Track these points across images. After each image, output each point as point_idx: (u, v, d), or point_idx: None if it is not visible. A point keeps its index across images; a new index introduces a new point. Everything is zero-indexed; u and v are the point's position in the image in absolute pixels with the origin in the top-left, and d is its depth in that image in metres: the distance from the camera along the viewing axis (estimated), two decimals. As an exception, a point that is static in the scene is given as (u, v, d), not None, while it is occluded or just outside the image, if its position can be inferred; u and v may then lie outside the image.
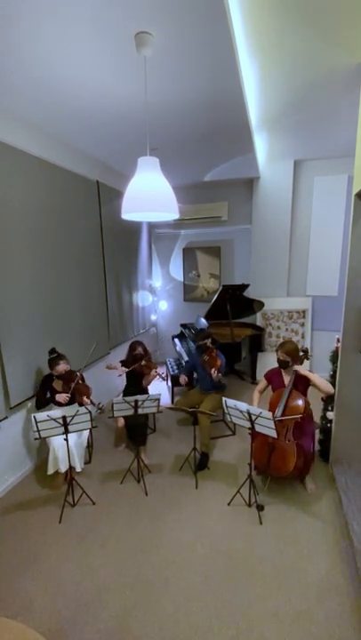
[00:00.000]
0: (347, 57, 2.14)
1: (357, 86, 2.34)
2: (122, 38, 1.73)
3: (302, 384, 2.67)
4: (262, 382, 2.92)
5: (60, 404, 2.82)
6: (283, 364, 2.73)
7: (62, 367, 2.79)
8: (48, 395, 2.84)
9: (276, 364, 2.83)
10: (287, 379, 2.73)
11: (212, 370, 3.06)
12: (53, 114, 2.59)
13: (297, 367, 2.66)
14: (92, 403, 2.79)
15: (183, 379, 3.43)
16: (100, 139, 3.12)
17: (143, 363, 3.28)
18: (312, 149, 4.05)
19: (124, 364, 3.39)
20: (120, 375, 3.35)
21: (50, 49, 1.81)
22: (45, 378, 2.87)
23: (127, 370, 3.32)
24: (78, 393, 2.83)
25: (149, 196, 1.81)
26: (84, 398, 2.80)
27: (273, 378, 2.84)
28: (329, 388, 2.60)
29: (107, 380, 3.39)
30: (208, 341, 3.27)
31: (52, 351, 2.89)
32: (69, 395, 2.78)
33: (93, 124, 2.79)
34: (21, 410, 2.85)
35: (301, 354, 2.77)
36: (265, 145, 3.80)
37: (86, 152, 3.51)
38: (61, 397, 2.77)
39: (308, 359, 2.77)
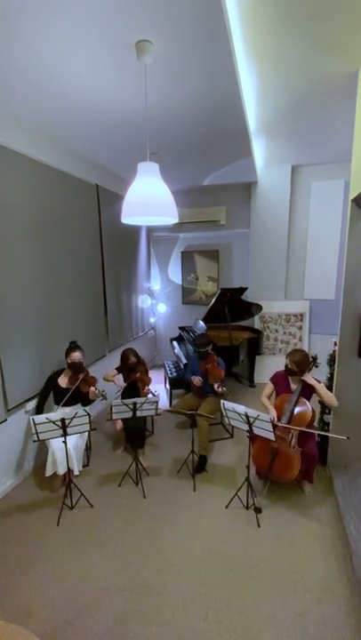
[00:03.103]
0: (343, 65, 2.18)
1: (354, 93, 2.38)
2: (123, 46, 1.76)
3: (308, 390, 2.65)
4: (268, 387, 2.88)
5: (59, 400, 2.86)
6: (290, 372, 2.71)
7: (78, 355, 2.92)
8: (54, 396, 2.92)
9: (276, 367, 2.83)
10: (294, 384, 2.72)
11: (216, 384, 3.06)
12: (54, 118, 2.61)
13: (305, 376, 2.63)
14: (96, 389, 2.91)
15: (198, 380, 3.22)
16: (100, 143, 3.15)
17: (138, 375, 3.28)
18: (309, 155, 4.10)
19: (119, 371, 3.40)
20: (119, 391, 3.36)
21: (51, 55, 1.84)
22: (51, 376, 2.95)
23: (124, 385, 3.34)
24: (85, 383, 2.91)
25: (149, 200, 1.83)
26: (91, 388, 2.90)
27: (279, 382, 2.82)
28: (333, 401, 2.57)
29: (105, 383, 3.38)
30: (209, 348, 3.27)
31: (73, 342, 3.09)
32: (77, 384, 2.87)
33: (94, 129, 2.82)
34: (19, 412, 2.85)
35: (310, 361, 2.74)
36: (263, 150, 3.84)
37: (86, 156, 3.53)
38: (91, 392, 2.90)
39: (316, 367, 2.75)
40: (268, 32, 1.89)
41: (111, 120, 2.63)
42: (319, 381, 2.65)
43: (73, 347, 2.99)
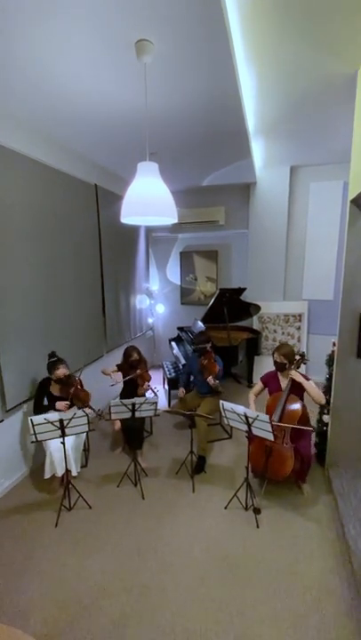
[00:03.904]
0: (343, 65, 2.19)
1: (353, 94, 2.38)
2: (122, 45, 1.76)
3: (299, 388, 2.67)
4: (258, 385, 2.92)
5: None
6: (280, 367, 2.74)
7: (61, 371, 2.76)
8: (46, 402, 2.82)
9: (273, 367, 2.84)
10: (284, 382, 2.74)
11: (210, 378, 3.07)
12: (52, 117, 2.60)
13: (293, 373, 2.66)
14: (91, 409, 2.78)
15: (182, 391, 3.42)
16: (100, 143, 3.15)
17: (138, 372, 3.25)
18: (308, 156, 4.10)
19: (119, 368, 3.38)
20: (113, 385, 3.29)
21: (51, 55, 1.83)
22: (42, 382, 2.85)
23: (122, 380, 3.29)
24: (77, 399, 2.80)
25: (149, 200, 1.83)
26: (86, 410, 2.74)
27: (269, 381, 2.85)
28: (321, 398, 2.62)
29: (102, 383, 3.38)
30: (208, 345, 3.27)
31: (52, 355, 2.86)
32: (68, 402, 2.75)
33: (93, 129, 2.82)
34: (17, 413, 2.84)
35: (298, 357, 2.78)
36: (262, 151, 3.84)
37: (85, 156, 3.52)
38: (61, 405, 2.73)
39: (305, 363, 2.78)
40: (267, 32, 1.89)
41: (111, 120, 2.63)
42: (308, 378, 2.66)
43: (54, 362, 2.78)
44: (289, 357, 2.70)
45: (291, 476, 2.55)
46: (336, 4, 1.69)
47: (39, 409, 2.76)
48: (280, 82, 2.36)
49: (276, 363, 2.75)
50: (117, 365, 3.39)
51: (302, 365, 2.80)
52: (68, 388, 2.78)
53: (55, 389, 2.83)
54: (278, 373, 2.80)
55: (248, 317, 4.79)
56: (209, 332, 3.75)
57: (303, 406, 2.63)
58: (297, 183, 4.65)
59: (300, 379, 2.63)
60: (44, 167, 2.96)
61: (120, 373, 3.37)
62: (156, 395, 2.96)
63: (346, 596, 1.87)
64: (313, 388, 2.61)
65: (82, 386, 2.90)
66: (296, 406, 2.60)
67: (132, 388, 3.30)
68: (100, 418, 2.65)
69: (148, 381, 3.30)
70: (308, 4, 1.68)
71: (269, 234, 4.81)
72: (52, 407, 2.79)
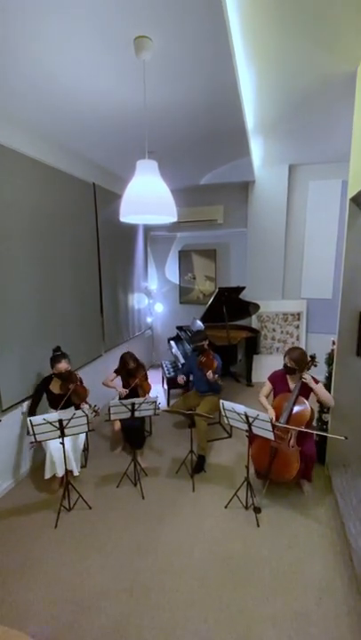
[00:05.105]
0: (342, 64, 2.18)
1: (352, 92, 2.38)
2: (121, 42, 1.74)
3: (306, 389, 2.65)
4: (267, 386, 2.86)
5: (55, 405, 2.82)
6: (290, 371, 2.69)
7: (63, 365, 2.77)
8: (45, 395, 2.85)
9: (273, 366, 2.83)
10: (292, 384, 2.71)
11: (209, 372, 3.06)
12: (51, 116, 2.58)
13: (305, 376, 2.62)
14: (88, 404, 2.79)
15: (181, 378, 3.40)
16: (98, 141, 3.13)
17: (138, 381, 3.25)
18: (307, 154, 4.10)
19: (117, 373, 3.38)
20: (121, 398, 3.30)
21: (49, 52, 1.82)
22: (44, 379, 2.87)
23: (126, 392, 3.25)
24: (76, 395, 2.81)
25: (148, 199, 1.82)
26: (84, 405, 2.80)
27: (277, 381, 2.81)
28: (330, 402, 2.61)
29: (101, 382, 3.37)
30: (205, 343, 3.27)
31: (57, 349, 2.91)
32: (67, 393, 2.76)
33: (91, 127, 2.80)
34: (15, 413, 2.82)
35: (308, 360, 2.73)
36: (261, 149, 3.83)
37: (83, 154, 3.50)
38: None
39: (315, 366, 2.74)
40: (267, 30, 1.88)
41: (110, 118, 2.61)
42: (318, 381, 2.64)
43: (57, 355, 2.82)
44: (298, 363, 2.63)
45: (294, 477, 2.55)
46: (335, 3, 1.68)
47: (35, 404, 2.81)
48: (280, 80, 2.35)
49: (286, 367, 2.70)
50: (115, 371, 3.38)
51: (312, 367, 2.76)
52: (68, 384, 2.79)
53: (55, 387, 2.83)
54: (287, 374, 2.78)
55: (247, 316, 4.78)
56: (208, 331, 3.75)
57: (311, 408, 2.61)
58: (296, 182, 4.64)
59: (312, 384, 2.60)
60: (43, 166, 2.94)
61: (119, 379, 3.38)
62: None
63: (347, 595, 1.87)
64: (323, 391, 2.59)
65: (82, 383, 2.92)
66: (304, 408, 2.57)
67: (134, 395, 3.29)
68: (95, 414, 2.60)
69: (148, 392, 3.32)
70: (307, 2, 1.67)
71: (268, 233, 4.80)
72: (50, 401, 2.84)
